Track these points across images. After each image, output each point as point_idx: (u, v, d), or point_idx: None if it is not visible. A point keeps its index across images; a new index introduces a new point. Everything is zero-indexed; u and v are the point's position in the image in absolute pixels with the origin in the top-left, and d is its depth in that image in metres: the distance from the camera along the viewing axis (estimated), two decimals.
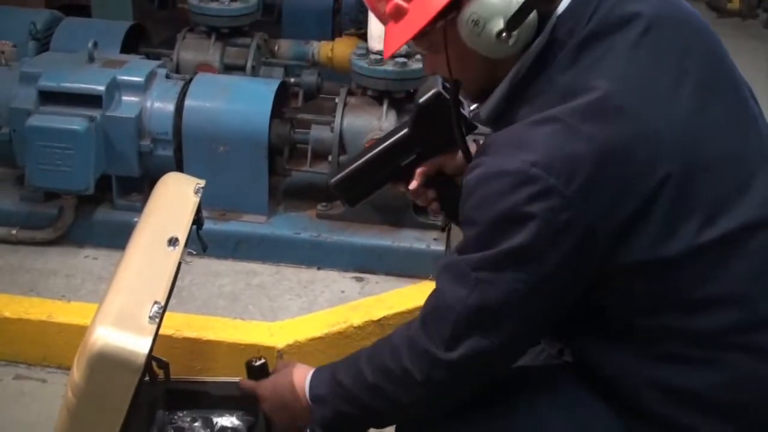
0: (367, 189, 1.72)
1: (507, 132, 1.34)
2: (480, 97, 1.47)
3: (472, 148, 1.55)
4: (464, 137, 1.55)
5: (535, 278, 1.30)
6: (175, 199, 1.81)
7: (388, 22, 1.41)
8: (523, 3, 1.30)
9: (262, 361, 1.72)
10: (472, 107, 1.62)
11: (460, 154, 1.64)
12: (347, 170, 1.70)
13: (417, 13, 1.34)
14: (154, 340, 1.49)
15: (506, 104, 1.39)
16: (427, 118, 1.61)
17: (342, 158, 2.81)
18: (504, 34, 1.31)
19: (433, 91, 1.59)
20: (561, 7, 1.35)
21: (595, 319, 1.38)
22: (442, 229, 1.77)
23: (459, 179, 1.65)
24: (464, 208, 1.35)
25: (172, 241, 1.64)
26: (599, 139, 1.26)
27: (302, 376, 1.56)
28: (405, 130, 1.66)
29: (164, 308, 1.50)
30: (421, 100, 1.61)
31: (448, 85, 1.58)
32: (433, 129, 1.62)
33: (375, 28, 2.82)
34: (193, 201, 1.80)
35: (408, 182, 1.65)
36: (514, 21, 1.30)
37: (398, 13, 1.37)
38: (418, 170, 1.64)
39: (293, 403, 1.57)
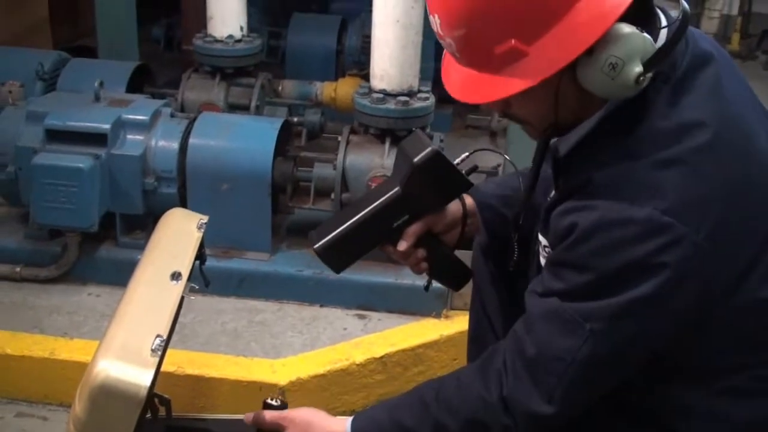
0: (354, 254, 1.61)
1: (622, 174, 1.27)
2: (556, 134, 1.40)
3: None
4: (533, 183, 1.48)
5: (652, 327, 1.27)
6: (179, 234, 1.82)
7: (484, 67, 1.29)
8: (668, 41, 1.25)
9: (280, 402, 1.67)
10: (457, 160, 1.57)
11: (448, 211, 1.62)
12: (333, 235, 1.57)
13: (545, 57, 1.23)
14: (156, 373, 1.49)
15: (593, 138, 1.33)
16: (422, 178, 1.52)
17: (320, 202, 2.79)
18: (642, 77, 1.23)
19: (428, 150, 1.50)
20: (660, 41, 1.30)
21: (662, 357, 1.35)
22: (426, 289, 1.75)
23: (446, 237, 1.65)
24: (573, 252, 1.27)
25: (175, 276, 1.65)
26: (724, 180, 1.25)
27: (340, 421, 1.52)
28: (396, 190, 1.55)
29: (166, 341, 1.50)
30: (417, 159, 1.50)
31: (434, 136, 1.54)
32: (427, 189, 1.55)
33: (377, 67, 2.85)
34: (196, 236, 1.82)
35: (395, 243, 1.59)
36: (654, 61, 1.24)
37: (515, 57, 1.24)
38: (409, 231, 1.58)
39: None
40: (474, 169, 1.64)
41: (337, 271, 1.63)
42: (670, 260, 1.22)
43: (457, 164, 1.56)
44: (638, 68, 1.22)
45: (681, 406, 1.36)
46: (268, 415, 1.61)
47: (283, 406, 1.66)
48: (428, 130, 2.96)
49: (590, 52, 1.22)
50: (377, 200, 1.57)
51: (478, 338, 1.84)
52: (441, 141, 2.92)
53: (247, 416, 1.64)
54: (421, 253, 1.62)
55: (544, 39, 1.22)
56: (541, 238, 1.45)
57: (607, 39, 1.22)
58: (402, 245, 1.58)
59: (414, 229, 1.58)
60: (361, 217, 1.57)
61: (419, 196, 1.56)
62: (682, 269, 1.22)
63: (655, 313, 1.25)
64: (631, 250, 1.22)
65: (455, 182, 1.56)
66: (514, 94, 1.26)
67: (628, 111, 1.29)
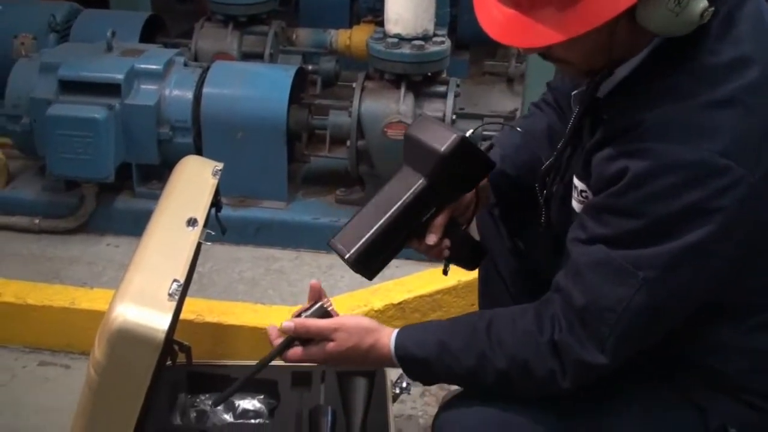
0: (386, 257, 1.50)
1: (675, 115, 1.21)
2: (596, 75, 1.34)
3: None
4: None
5: (707, 272, 1.24)
6: (194, 181, 1.82)
7: (535, 9, 1.21)
8: None
9: (318, 304, 1.49)
10: (468, 133, 1.48)
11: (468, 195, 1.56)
12: (364, 241, 1.45)
13: None
14: (175, 318, 1.49)
15: (639, 76, 1.28)
16: (450, 167, 1.44)
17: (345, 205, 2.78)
18: (706, 12, 1.17)
19: (454, 137, 1.41)
20: None
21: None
22: (445, 273, 1.63)
23: (462, 219, 1.59)
24: (624, 198, 1.22)
25: (191, 222, 1.65)
26: None
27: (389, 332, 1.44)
28: (421, 182, 1.45)
29: (184, 286, 1.50)
30: (444, 148, 1.41)
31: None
32: (455, 177, 1.47)
33: (392, 10, 2.80)
34: (211, 183, 1.81)
35: (419, 237, 1.50)
36: None
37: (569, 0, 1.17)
38: (437, 223, 1.50)
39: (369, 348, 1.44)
40: (491, 147, 1.59)
41: (371, 278, 1.52)
42: (726, 204, 1.18)
43: (470, 135, 1.47)
44: (703, 2, 1.17)
45: (714, 342, 1.35)
46: (316, 323, 1.45)
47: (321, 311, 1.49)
48: (444, 76, 2.92)
49: None
50: (402, 196, 1.46)
51: (489, 295, 1.83)
52: (457, 86, 2.89)
53: (286, 325, 1.45)
54: (446, 242, 1.54)
55: None
56: (577, 182, 1.40)
57: None
58: (431, 239, 1.50)
59: (441, 220, 1.50)
60: (390, 216, 1.45)
61: (447, 186, 1.48)
62: (738, 212, 1.19)
63: (711, 259, 1.22)
64: (687, 195, 1.18)
65: (480, 165, 1.49)
66: (574, 36, 1.18)
67: (676, 47, 1.24)
